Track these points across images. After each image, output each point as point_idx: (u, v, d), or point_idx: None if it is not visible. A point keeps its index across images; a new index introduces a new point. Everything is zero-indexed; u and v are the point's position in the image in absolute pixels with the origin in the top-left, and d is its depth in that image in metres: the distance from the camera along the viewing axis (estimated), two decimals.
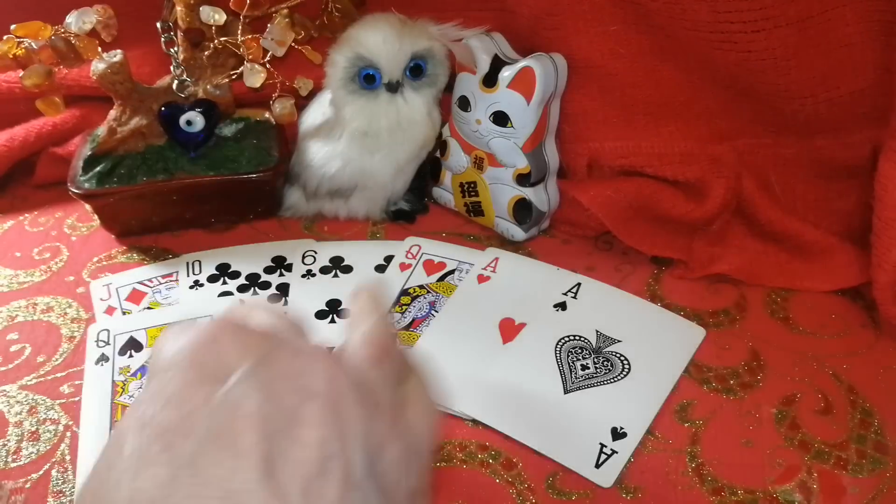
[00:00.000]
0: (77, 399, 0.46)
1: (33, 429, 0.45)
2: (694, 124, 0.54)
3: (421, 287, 0.53)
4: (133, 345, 0.49)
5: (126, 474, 0.23)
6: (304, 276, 0.55)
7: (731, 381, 0.46)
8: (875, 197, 0.49)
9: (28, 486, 0.42)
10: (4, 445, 0.44)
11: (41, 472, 0.42)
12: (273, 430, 0.23)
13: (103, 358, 0.49)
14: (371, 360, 0.28)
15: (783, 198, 0.54)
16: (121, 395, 0.46)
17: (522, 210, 0.56)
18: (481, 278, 0.54)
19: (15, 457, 0.43)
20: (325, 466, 0.23)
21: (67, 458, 0.43)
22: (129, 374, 0.48)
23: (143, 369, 0.48)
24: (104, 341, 0.50)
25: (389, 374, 0.28)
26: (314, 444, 0.23)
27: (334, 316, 0.52)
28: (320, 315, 0.52)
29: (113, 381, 0.47)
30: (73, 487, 0.41)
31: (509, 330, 0.50)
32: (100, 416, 0.45)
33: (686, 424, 0.44)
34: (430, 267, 0.55)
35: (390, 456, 0.25)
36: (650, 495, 0.40)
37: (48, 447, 0.44)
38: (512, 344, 0.49)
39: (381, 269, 0.55)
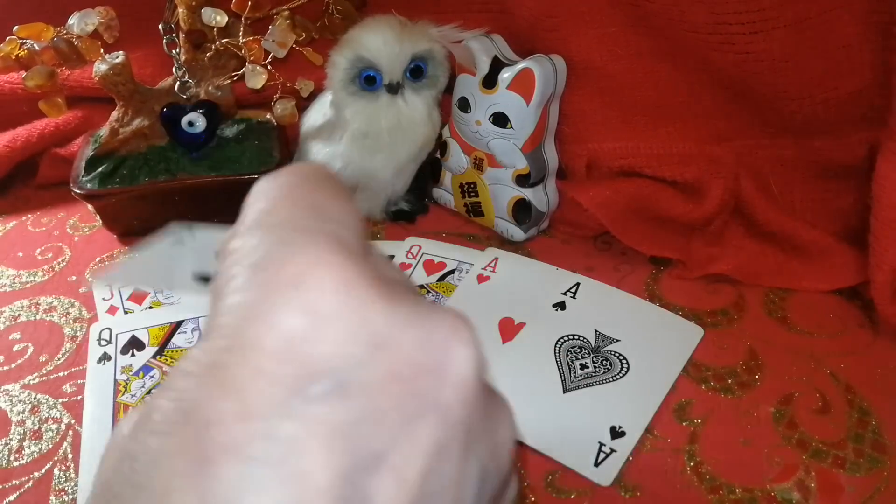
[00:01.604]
0: (79, 398, 0.47)
1: (35, 428, 0.45)
2: (692, 125, 0.54)
3: (421, 287, 0.54)
4: (135, 344, 0.50)
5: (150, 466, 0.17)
6: None
7: (730, 381, 0.46)
8: (873, 197, 0.49)
9: (30, 484, 0.42)
10: (7, 444, 0.44)
11: (43, 471, 0.43)
12: (361, 464, 0.16)
13: (105, 357, 0.49)
14: None
15: (781, 198, 0.54)
16: (122, 395, 0.47)
17: (522, 210, 0.57)
18: (481, 278, 0.54)
19: (17, 455, 0.44)
20: None
21: (69, 456, 0.43)
22: (130, 374, 0.48)
23: (145, 368, 0.48)
24: (106, 340, 0.50)
25: None
26: (412, 482, 0.17)
27: None
28: None
29: (115, 381, 0.47)
30: (76, 486, 0.42)
31: (509, 329, 0.50)
32: (101, 416, 0.45)
33: (684, 423, 0.44)
34: (430, 267, 0.55)
35: (505, 466, 0.20)
36: (649, 494, 0.40)
37: (50, 446, 0.44)
38: (511, 343, 0.49)
39: None
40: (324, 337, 0.17)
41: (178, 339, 0.50)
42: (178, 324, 0.51)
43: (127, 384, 0.47)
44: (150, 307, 0.53)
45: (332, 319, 0.17)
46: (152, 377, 0.48)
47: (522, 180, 0.56)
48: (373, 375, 0.17)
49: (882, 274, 0.48)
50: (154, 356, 0.49)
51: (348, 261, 0.18)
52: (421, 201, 0.62)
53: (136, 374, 0.48)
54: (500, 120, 0.54)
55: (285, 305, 0.17)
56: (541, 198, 0.57)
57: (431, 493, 0.17)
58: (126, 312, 0.53)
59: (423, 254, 0.56)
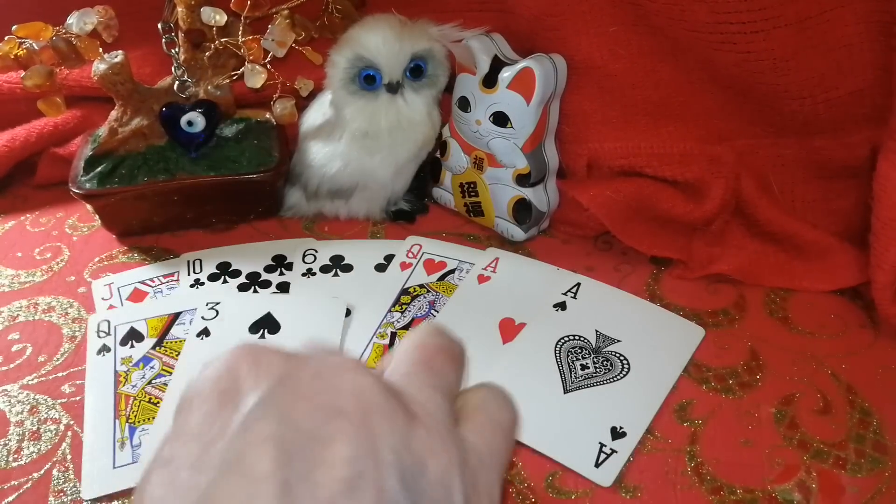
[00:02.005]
0: (78, 399, 0.46)
1: (34, 428, 0.45)
2: (693, 125, 0.54)
3: (421, 286, 0.54)
4: (134, 335, 0.50)
5: None
6: (304, 274, 0.55)
7: (731, 381, 0.46)
8: (874, 197, 0.49)
9: (29, 485, 0.42)
10: (6, 445, 0.44)
11: (42, 472, 0.43)
12: (293, 453, 0.22)
13: (104, 349, 0.49)
14: (413, 367, 0.26)
15: (782, 198, 0.54)
16: (123, 385, 0.47)
17: (522, 210, 0.56)
18: (481, 278, 0.54)
19: (16, 456, 0.43)
20: (353, 486, 0.21)
21: (69, 457, 0.43)
22: (130, 364, 0.48)
23: (145, 359, 0.48)
24: (105, 332, 0.50)
25: (438, 383, 0.26)
26: (339, 463, 0.21)
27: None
28: None
29: (115, 372, 0.48)
30: (74, 487, 0.42)
31: (509, 330, 0.50)
32: (103, 407, 0.45)
33: (685, 424, 0.44)
34: (430, 266, 0.55)
35: (435, 470, 0.23)
36: (649, 495, 0.40)
37: (49, 447, 0.44)
38: (512, 344, 0.49)
39: (381, 268, 0.55)
40: (242, 381, 0.25)
41: (176, 330, 0.50)
42: (177, 315, 0.51)
43: (127, 375, 0.47)
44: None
45: (246, 373, 0.25)
46: (152, 368, 0.48)
47: (523, 180, 0.56)
48: (283, 398, 0.23)
49: (883, 274, 0.48)
50: (153, 347, 0.49)
51: (254, 343, 0.26)
52: (421, 201, 0.62)
53: (136, 364, 0.48)
54: (500, 119, 0.54)
55: (208, 371, 0.26)
56: (541, 197, 0.57)
57: (356, 474, 0.22)
58: None
59: (423, 253, 0.56)
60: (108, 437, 0.44)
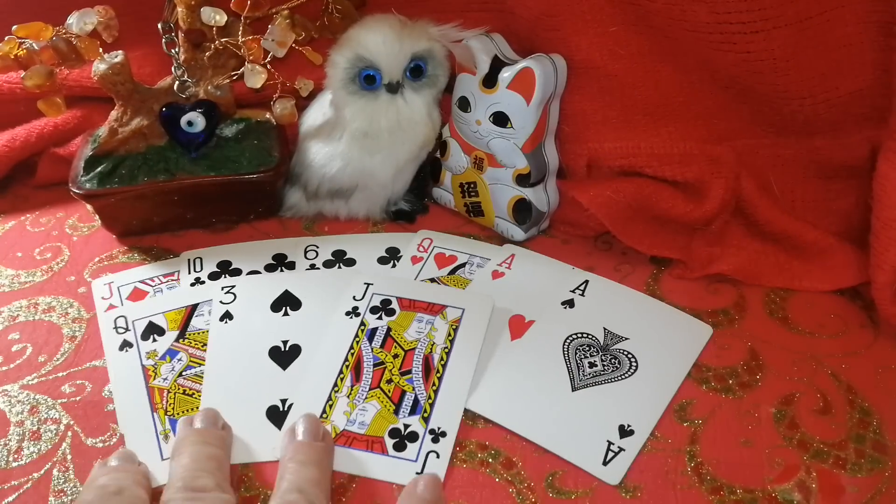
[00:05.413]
0: (78, 399, 0.47)
1: (34, 428, 0.45)
2: (693, 125, 0.54)
3: (432, 280, 0.54)
4: (154, 329, 0.50)
5: None
6: (306, 270, 0.55)
7: (730, 381, 0.46)
8: (874, 197, 0.49)
9: (29, 485, 0.42)
10: (6, 445, 0.44)
11: (42, 472, 0.42)
12: None
13: (126, 344, 0.49)
14: None
15: (782, 198, 0.54)
16: (154, 379, 0.47)
17: (522, 210, 0.56)
18: (496, 274, 0.54)
19: (16, 456, 0.43)
20: None
21: (69, 457, 0.43)
22: (157, 358, 0.48)
23: (170, 352, 0.48)
24: (123, 328, 0.50)
25: None
26: None
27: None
28: None
29: (143, 366, 0.48)
30: (75, 487, 0.42)
31: (518, 327, 0.50)
32: (137, 402, 0.46)
33: (685, 424, 0.44)
34: (441, 260, 0.55)
35: None
36: (649, 494, 0.40)
37: (49, 447, 0.44)
38: (520, 341, 0.49)
39: (383, 261, 0.55)
40: None
41: (197, 322, 0.50)
42: (194, 307, 0.51)
43: (156, 369, 0.47)
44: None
45: None
46: (180, 360, 0.48)
47: (523, 180, 0.56)
48: None
49: (883, 274, 0.48)
50: (176, 340, 0.49)
51: None
52: (421, 201, 0.62)
53: (163, 358, 0.48)
54: (500, 119, 0.54)
55: None
56: (541, 197, 0.57)
57: None
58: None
59: (434, 247, 0.56)
60: (150, 431, 0.44)
